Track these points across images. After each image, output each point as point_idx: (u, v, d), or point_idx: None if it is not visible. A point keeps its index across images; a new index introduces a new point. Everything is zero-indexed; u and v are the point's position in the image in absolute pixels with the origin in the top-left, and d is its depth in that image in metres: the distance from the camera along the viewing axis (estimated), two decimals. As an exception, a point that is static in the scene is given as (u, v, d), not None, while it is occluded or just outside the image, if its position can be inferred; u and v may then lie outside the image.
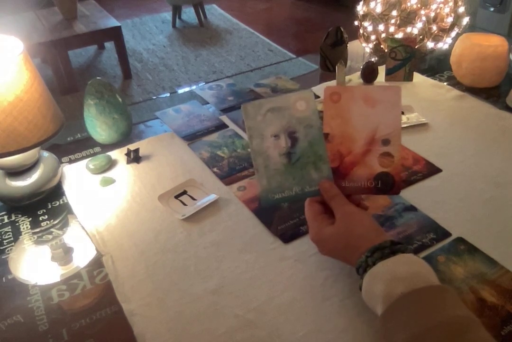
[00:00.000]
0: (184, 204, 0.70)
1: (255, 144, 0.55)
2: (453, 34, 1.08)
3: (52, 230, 0.68)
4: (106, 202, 0.71)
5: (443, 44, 1.08)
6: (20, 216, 0.71)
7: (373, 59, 1.13)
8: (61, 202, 0.73)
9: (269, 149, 0.55)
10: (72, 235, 0.67)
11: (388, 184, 0.56)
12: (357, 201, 0.56)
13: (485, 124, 0.85)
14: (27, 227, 0.68)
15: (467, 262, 0.57)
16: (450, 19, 1.05)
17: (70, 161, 0.83)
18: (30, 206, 0.72)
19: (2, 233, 0.67)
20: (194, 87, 1.07)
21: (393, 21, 1.04)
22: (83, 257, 0.63)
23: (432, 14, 1.03)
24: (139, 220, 0.68)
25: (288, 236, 0.63)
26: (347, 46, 1.05)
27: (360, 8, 1.10)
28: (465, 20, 1.07)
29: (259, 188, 0.56)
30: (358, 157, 0.56)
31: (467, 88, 0.97)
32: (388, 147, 0.55)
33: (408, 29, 1.03)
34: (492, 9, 2.31)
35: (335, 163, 0.56)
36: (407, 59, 0.98)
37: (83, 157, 0.83)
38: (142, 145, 0.84)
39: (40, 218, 0.70)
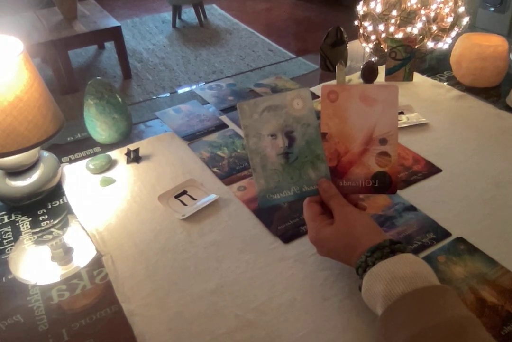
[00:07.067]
0: (184, 204, 0.70)
1: (251, 144, 0.55)
2: (453, 34, 1.08)
3: (52, 230, 0.68)
4: (106, 202, 0.71)
5: (443, 44, 1.08)
6: (20, 216, 0.71)
7: (373, 59, 1.13)
8: (61, 202, 0.73)
9: (267, 149, 0.55)
10: (72, 235, 0.66)
11: (385, 184, 0.56)
12: (355, 201, 0.56)
13: (485, 124, 0.85)
14: (27, 227, 0.68)
15: (467, 262, 0.57)
16: (450, 19, 1.05)
17: (70, 161, 0.83)
18: (30, 206, 0.72)
19: (2, 233, 0.67)
20: (194, 87, 1.07)
21: (393, 21, 1.04)
22: (83, 257, 0.63)
23: (432, 14, 1.03)
24: (139, 220, 0.68)
25: (288, 236, 0.63)
26: (347, 46, 1.05)
27: (360, 8, 1.10)
28: (465, 20, 1.07)
29: (256, 188, 0.55)
30: (355, 157, 0.56)
31: (467, 88, 0.97)
32: (385, 146, 0.55)
33: (408, 29, 1.03)
34: (492, 9, 2.31)
35: (333, 162, 0.56)
36: (407, 59, 0.98)
37: (83, 157, 0.83)
38: (142, 145, 0.84)
39: (40, 218, 0.70)
